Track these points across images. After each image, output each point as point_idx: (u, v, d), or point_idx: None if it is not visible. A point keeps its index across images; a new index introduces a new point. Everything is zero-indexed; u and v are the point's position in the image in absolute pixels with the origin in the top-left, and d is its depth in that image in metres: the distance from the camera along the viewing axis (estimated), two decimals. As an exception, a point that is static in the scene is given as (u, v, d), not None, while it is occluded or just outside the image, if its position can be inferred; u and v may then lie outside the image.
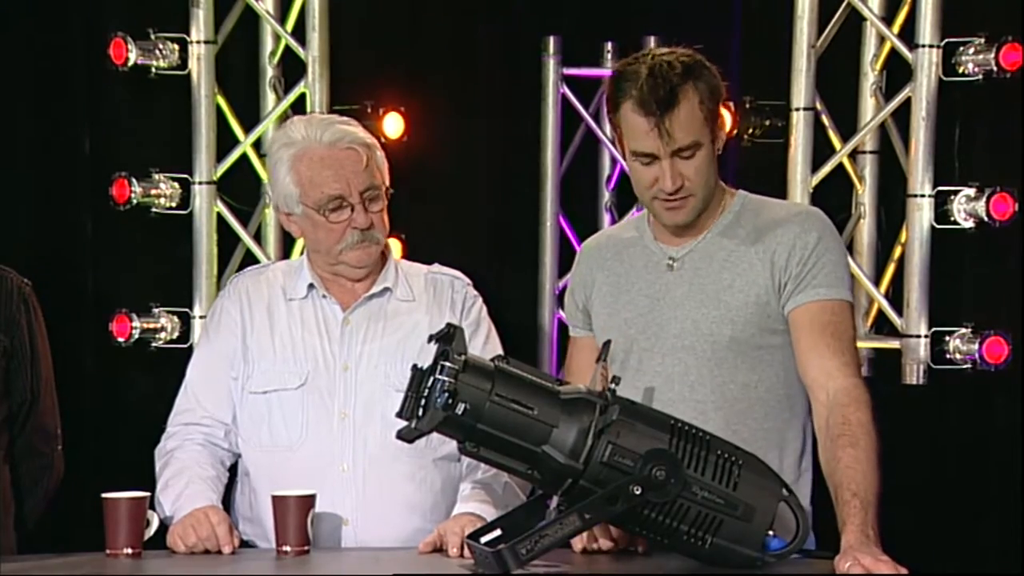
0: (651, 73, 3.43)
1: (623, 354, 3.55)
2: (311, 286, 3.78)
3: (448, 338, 3.16)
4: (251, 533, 3.72)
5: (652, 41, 5.37)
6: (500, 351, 3.71)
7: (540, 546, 3.13)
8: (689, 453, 3.16)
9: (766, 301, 3.50)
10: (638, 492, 3.12)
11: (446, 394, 3.10)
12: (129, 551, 3.43)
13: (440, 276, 3.86)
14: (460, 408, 3.11)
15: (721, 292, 3.51)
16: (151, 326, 5.32)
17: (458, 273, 3.90)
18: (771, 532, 3.20)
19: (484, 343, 3.79)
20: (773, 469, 3.29)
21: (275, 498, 3.48)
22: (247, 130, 5.41)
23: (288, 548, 3.46)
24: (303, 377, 3.73)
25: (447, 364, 3.12)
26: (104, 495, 3.47)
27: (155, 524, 3.54)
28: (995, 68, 4.94)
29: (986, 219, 4.98)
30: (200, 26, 5.32)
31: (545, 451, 3.14)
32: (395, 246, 5.28)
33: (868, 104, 5.25)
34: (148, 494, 3.55)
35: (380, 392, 3.70)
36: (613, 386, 3.20)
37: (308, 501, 3.48)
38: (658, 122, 3.42)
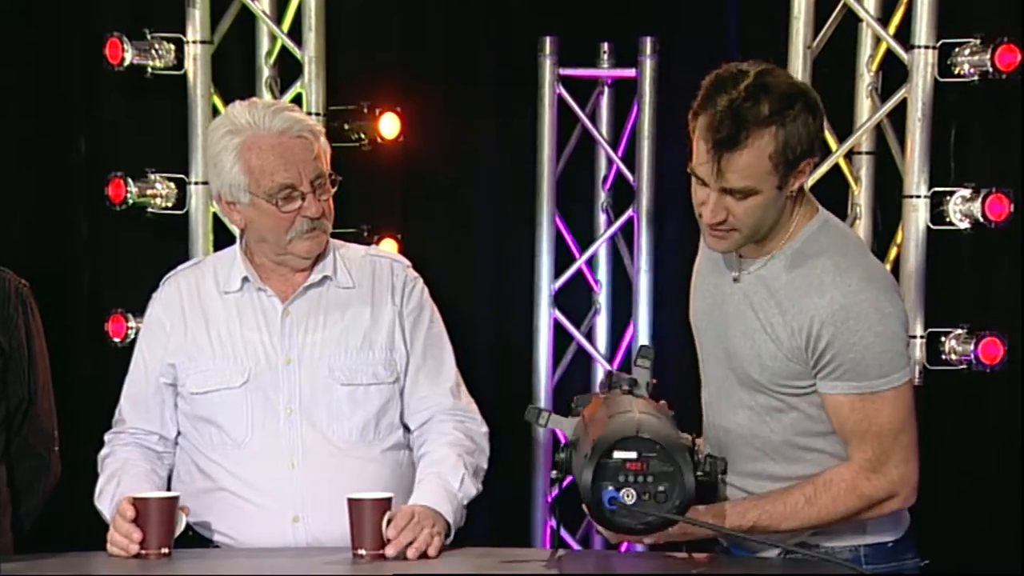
0: (730, 105, 3.16)
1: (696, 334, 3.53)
2: (245, 279, 3.74)
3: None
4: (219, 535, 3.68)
5: (648, 42, 5.38)
6: (444, 333, 3.78)
7: (555, 419, 3.34)
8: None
9: (793, 367, 3.33)
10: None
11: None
12: (165, 550, 3.42)
13: (379, 259, 3.82)
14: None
15: (756, 332, 3.35)
16: (147, 327, 5.31)
17: (397, 255, 3.89)
18: (628, 496, 3.09)
19: (429, 326, 3.78)
20: (676, 431, 3.15)
21: (351, 501, 3.42)
22: (243, 130, 5.40)
23: (364, 552, 3.40)
24: (245, 375, 3.68)
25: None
26: (134, 495, 3.45)
27: (183, 523, 3.51)
28: (991, 69, 4.94)
29: (982, 220, 4.98)
30: (196, 26, 5.31)
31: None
32: (392, 246, 5.29)
33: (864, 105, 5.24)
34: (178, 494, 3.52)
35: (324, 385, 3.67)
36: (640, 380, 3.34)
37: (385, 504, 3.42)
38: (716, 155, 3.19)
